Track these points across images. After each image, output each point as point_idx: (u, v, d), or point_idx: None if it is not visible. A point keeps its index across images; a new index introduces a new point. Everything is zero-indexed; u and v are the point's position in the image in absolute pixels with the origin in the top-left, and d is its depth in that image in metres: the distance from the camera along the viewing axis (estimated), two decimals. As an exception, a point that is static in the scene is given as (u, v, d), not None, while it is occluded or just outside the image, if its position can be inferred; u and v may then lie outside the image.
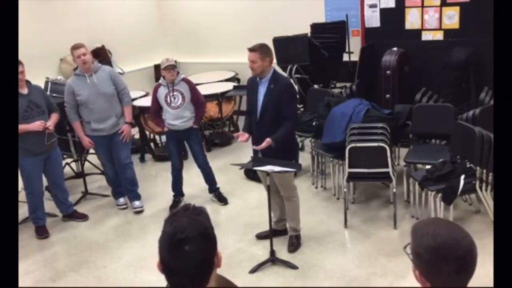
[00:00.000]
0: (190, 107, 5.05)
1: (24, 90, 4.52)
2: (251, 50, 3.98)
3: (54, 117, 4.75)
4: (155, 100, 5.05)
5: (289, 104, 4.01)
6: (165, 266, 1.41)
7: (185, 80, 5.05)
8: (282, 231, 4.40)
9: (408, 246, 1.51)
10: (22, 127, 4.40)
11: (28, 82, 4.60)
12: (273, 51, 6.47)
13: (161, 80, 5.04)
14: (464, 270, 1.41)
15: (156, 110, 5.10)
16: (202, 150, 5.26)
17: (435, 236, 1.41)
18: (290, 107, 4.04)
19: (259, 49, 3.96)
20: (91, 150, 5.99)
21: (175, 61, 4.99)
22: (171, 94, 4.95)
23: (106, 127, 5.00)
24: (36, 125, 4.49)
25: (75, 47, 4.86)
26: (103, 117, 4.97)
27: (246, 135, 4.18)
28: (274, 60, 6.60)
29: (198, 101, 5.10)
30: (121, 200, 5.38)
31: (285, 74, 6.49)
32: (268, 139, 3.96)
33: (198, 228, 1.41)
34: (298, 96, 6.77)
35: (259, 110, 4.09)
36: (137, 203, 5.31)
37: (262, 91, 4.06)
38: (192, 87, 5.06)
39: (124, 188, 5.35)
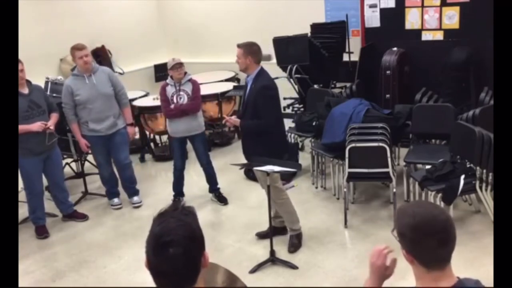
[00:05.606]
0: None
1: (24, 90, 4.52)
2: (238, 46, 4.10)
3: (55, 117, 4.76)
4: (166, 99, 5.02)
5: (264, 106, 4.01)
6: (152, 267, 1.42)
7: (192, 81, 5.06)
8: (282, 229, 4.40)
9: (394, 230, 1.66)
10: (23, 127, 4.40)
11: (28, 82, 4.60)
12: (273, 51, 6.57)
13: (168, 80, 5.06)
14: (445, 243, 1.54)
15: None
16: (206, 150, 5.27)
17: (414, 216, 1.56)
18: (264, 108, 4.02)
19: (244, 47, 4.07)
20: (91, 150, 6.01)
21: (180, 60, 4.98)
22: (178, 93, 4.97)
23: (103, 127, 5.01)
24: (37, 125, 4.50)
25: (78, 48, 4.86)
26: (101, 118, 4.98)
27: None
28: (273, 60, 6.69)
29: (194, 98, 5.01)
30: (115, 200, 5.40)
31: (284, 74, 6.51)
32: (237, 119, 4.22)
33: (184, 230, 1.41)
34: (296, 97, 6.81)
35: (241, 108, 4.24)
36: (135, 198, 5.42)
37: (247, 89, 4.16)
38: (195, 88, 5.04)
39: (123, 186, 5.43)
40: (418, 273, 1.60)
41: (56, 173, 4.94)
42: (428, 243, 1.53)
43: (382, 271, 1.75)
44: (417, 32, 6.21)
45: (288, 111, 6.65)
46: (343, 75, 6.65)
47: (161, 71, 7.99)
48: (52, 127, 4.63)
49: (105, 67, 5.38)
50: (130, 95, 5.92)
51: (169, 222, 1.41)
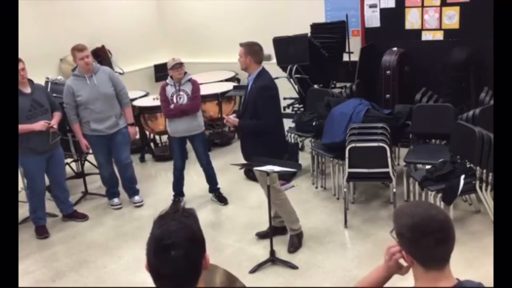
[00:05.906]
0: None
1: (27, 89, 4.53)
2: (240, 45, 4.14)
3: (57, 116, 4.77)
4: (166, 99, 5.03)
5: (263, 106, 4.03)
6: (152, 269, 1.42)
7: (192, 81, 5.07)
8: (282, 229, 4.40)
9: (393, 230, 1.65)
10: (26, 127, 4.42)
11: (30, 81, 4.60)
12: (273, 51, 6.57)
13: (168, 80, 5.08)
14: (443, 242, 1.54)
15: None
16: (206, 150, 5.27)
17: (412, 215, 1.56)
18: (264, 109, 4.03)
19: (245, 46, 4.10)
20: (91, 151, 6.02)
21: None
22: (177, 93, 4.98)
23: (105, 127, 5.01)
24: (40, 124, 4.51)
25: (78, 49, 4.85)
26: (102, 118, 4.99)
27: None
28: (273, 60, 6.69)
29: (194, 98, 5.03)
30: (115, 200, 5.41)
31: (284, 74, 6.50)
32: (235, 119, 4.21)
33: (185, 232, 1.41)
34: (296, 97, 6.80)
35: (241, 107, 4.26)
36: (137, 197, 5.43)
37: (248, 89, 4.19)
38: (195, 88, 5.05)
39: (123, 186, 5.43)
40: (417, 274, 1.60)
41: (58, 173, 4.95)
42: (426, 242, 1.53)
43: (394, 269, 1.74)
44: (417, 32, 6.21)
45: (288, 111, 6.65)
46: (343, 75, 6.65)
47: (161, 71, 8.00)
48: (55, 126, 4.64)
49: (106, 67, 5.39)
50: (130, 95, 5.92)
51: (170, 225, 1.41)
